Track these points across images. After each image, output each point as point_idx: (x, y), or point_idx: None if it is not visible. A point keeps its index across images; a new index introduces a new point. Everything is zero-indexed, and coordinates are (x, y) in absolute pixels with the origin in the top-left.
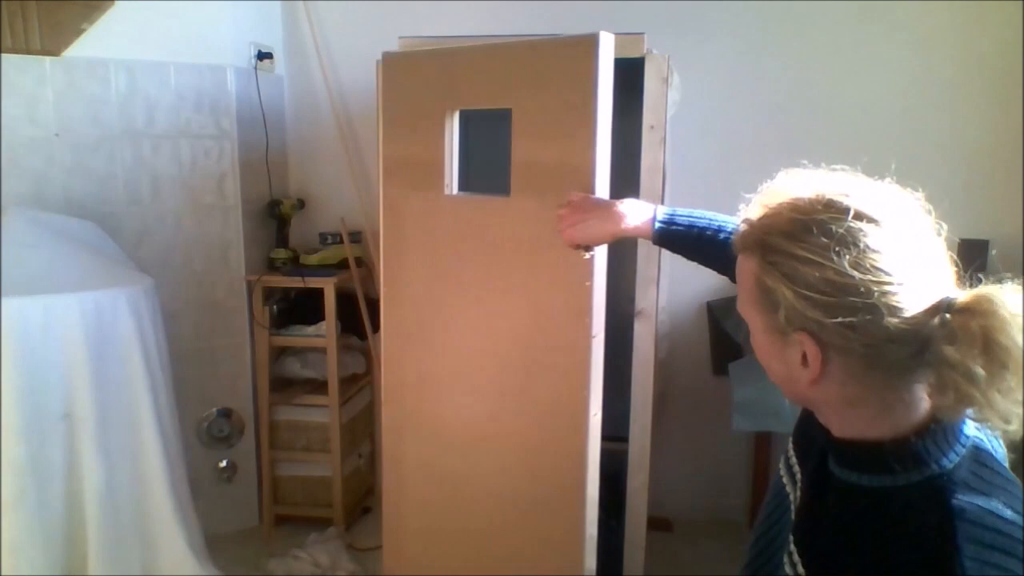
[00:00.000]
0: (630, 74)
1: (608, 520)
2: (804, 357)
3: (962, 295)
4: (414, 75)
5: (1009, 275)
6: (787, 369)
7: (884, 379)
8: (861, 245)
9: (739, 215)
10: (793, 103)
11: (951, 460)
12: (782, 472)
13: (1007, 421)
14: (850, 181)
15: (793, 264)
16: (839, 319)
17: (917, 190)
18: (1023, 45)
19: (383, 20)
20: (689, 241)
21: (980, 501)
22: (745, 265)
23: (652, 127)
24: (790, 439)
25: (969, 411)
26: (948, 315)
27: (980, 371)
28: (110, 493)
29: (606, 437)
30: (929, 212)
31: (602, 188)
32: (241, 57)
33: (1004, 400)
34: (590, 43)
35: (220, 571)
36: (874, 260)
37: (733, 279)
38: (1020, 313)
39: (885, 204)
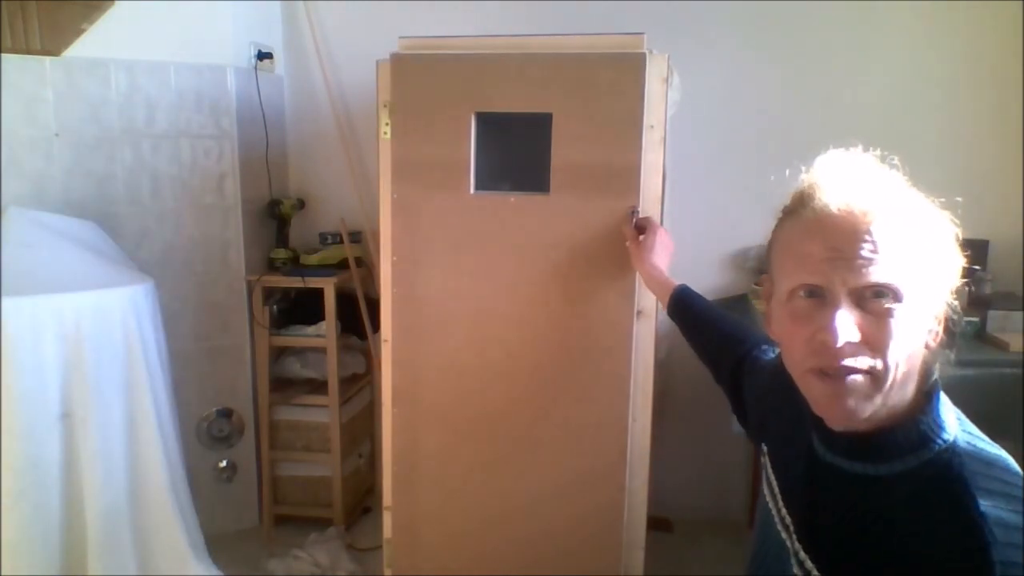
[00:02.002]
0: None
1: None
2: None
3: None
4: (429, 77)
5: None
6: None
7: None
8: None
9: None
10: (793, 103)
11: (948, 433)
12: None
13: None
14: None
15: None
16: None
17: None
18: (1023, 45)
19: (383, 20)
20: (701, 311)
21: (984, 469)
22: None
23: (652, 127)
24: (765, 455)
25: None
26: None
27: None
28: (109, 493)
29: None
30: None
31: (649, 188)
32: (241, 57)
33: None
34: (638, 60)
35: (220, 571)
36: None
37: (716, 374)
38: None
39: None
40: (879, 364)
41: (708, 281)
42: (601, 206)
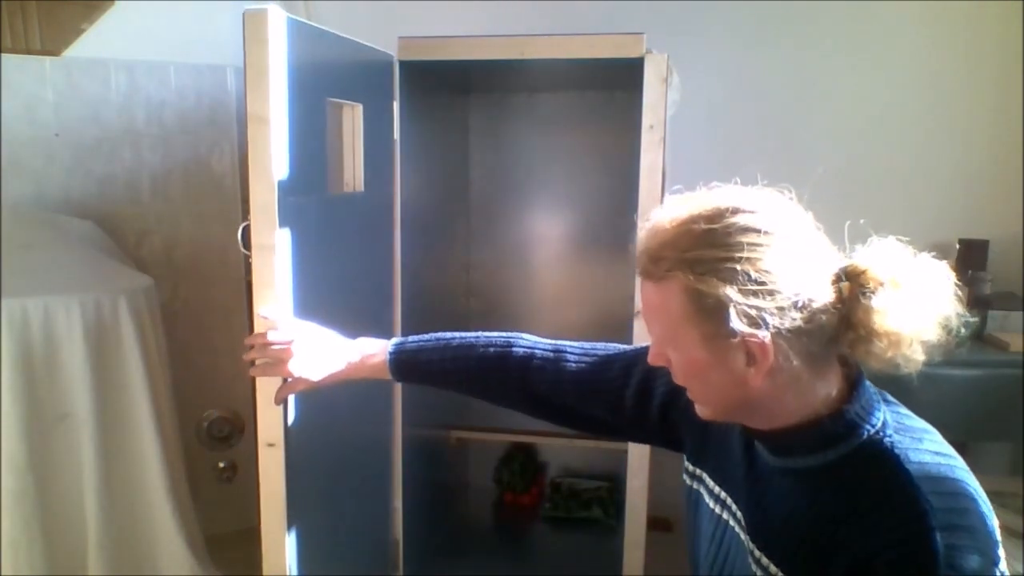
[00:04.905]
0: (630, 74)
1: (608, 520)
2: (748, 356)
3: (854, 261)
4: None
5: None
6: (731, 375)
7: (820, 350)
8: (780, 234)
9: (634, 248)
10: (793, 103)
11: (877, 418)
12: (695, 487)
13: (917, 356)
14: (732, 190)
15: (729, 267)
16: (786, 301)
17: (790, 190)
18: (1023, 45)
19: (383, 20)
20: (434, 360)
21: (915, 444)
22: (666, 289)
23: (652, 127)
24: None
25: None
26: (848, 279)
27: (899, 315)
28: (109, 493)
29: (606, 437)
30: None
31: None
32: (241, 57)
33: (921, 332)
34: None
35: (220, 571)
36: (794, 243)
37: (491, 398)
38: (904, 256)
39: (773, 202)
40: (681, 385)
41: None
42: None
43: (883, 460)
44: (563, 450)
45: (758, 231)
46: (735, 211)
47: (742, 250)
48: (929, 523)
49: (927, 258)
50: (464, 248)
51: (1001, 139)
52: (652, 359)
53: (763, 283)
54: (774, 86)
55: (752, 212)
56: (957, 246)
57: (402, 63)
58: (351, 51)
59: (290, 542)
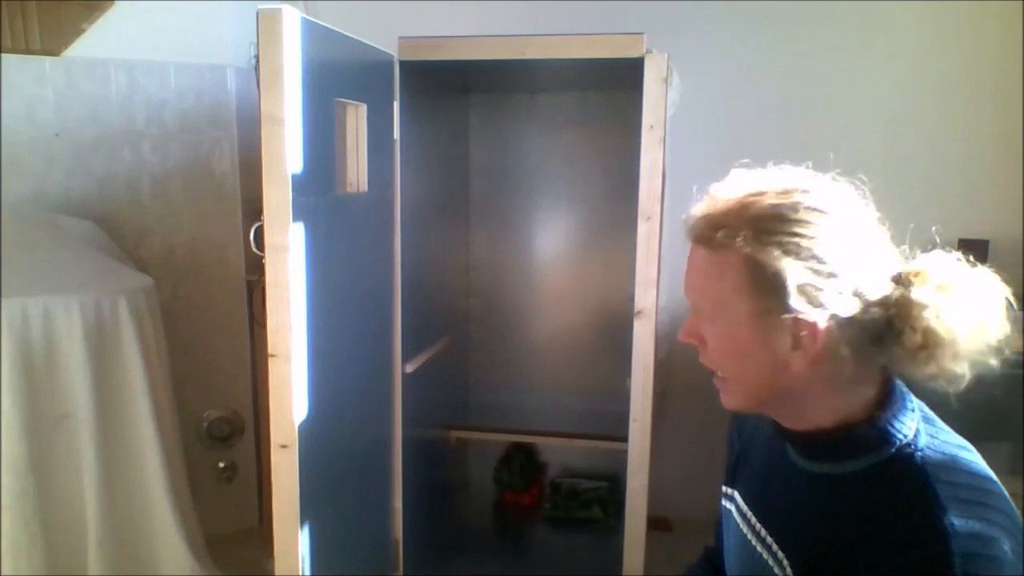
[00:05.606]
0: (630, 74)
1: (608, 520)
2: (794, 339)
3: (912, 264)
4: None
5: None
6: (772, 357)
7: (864, 346)
8: (847, 219)
9: (688, 215)
10: (793, 102)
11: (908, 427)
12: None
13: (959, 369)
14: (802, 172)
15: (794, 241)
16: (846, 286)
17: (864, 183)
18: (1023, 45)
19: (383, 20)
20: None
21: (946, 461)
22: (722, 258)
23: (652, 127)
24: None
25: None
26: (904, 283)
27: (947, 318)
28: (109, 493)
29: (606, 437)
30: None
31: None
32: (241, 57)
33: (966, 343)
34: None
35: (220, 571)
36: (858, 232)
37: None
38: (964, 271)
39: (840, 189)
40: (713, 366)
41: None
42: None
43: (910, 475)
44: (563, 450)
45: (825, 212)
46: (805, 190)
47: (808, 227)
48: (950, 547)
49: (985, 272)
50: (464, 248)
51: (1001, 139)
52: (684, 335)
53: (826, 262)
54: (774, 86)
55: (821, 194)
56: (958, 246)
57: (402, 63)
58: (356, 51)
59: (303, 542)
